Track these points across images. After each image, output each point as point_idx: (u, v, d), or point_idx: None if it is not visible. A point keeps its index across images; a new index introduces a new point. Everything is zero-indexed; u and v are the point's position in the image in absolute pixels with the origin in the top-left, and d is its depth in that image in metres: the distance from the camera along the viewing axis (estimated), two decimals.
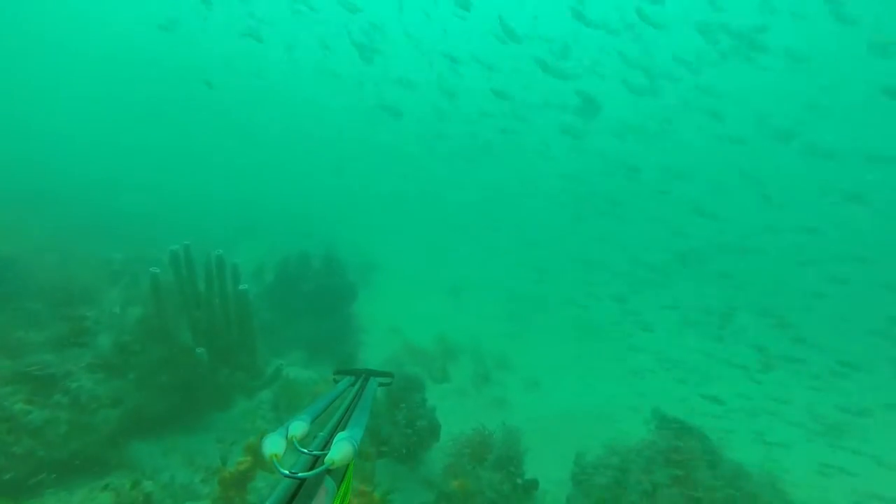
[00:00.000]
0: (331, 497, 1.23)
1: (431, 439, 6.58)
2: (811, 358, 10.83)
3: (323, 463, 1.22)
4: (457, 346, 10.69)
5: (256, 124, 37.35)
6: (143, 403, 6.02)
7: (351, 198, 30.05)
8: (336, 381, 2.53)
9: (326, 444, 1.39)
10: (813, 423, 9.41)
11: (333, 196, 29.51)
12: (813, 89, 16.36)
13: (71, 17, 36.66)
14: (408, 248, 19.83)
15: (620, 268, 16.13)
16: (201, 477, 5.25)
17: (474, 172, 25.57)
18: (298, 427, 1.38)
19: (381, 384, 2.67)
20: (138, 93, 38.32)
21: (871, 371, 10.90)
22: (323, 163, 36.41)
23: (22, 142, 22.89)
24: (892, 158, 15.69)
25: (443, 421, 6.85)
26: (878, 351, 11.98)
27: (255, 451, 5.04)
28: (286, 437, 1.31)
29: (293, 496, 1.13)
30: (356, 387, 2.32)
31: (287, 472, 1.14)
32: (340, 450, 1.25)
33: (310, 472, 1.18)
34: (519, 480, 5.76)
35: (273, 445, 1.23)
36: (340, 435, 1.34)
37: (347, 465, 1.34)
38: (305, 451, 1.33)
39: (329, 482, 1.26)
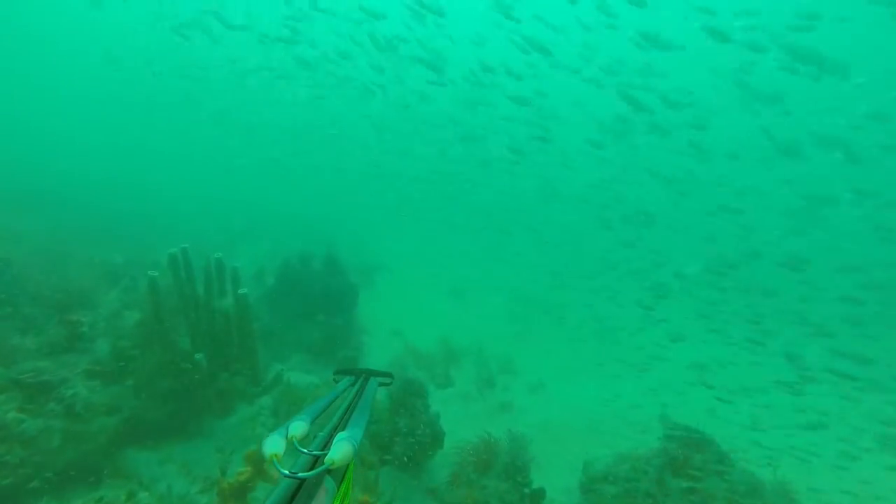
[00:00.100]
0: (331, 497, 1.24)
1: (435, 447, 6.43)
2: (853, 369, 10.47)
3: (323, 463, 1.23)
4: (460, 349, 10.53)
5: (257, 125, 37.25)
6: (141, 411, 5.88)
7: (355, 198, 29.95)
8: (336, 382, 2.54)
9: (326, 445, 1.41)
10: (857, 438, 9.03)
11: (336, 196, 29.41)
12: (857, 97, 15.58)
13: (71, 17, 36.54)
14: (413, 249, 19.70)
15: (645, 273, 15.67)
16: (199, 487, 5.11)
17: (491, 176, 25.05)
18: (298, 427, 1.40)
19: (381, 384, 2.67)
20: (138, 94, 38.27)
21: None
22: (325, 163, 36.33)
23: (22, 142, 22.83)
24: None
25: (446, 427, 6.70)
26: None
27: (256, 461, 4.89)
28: (286, 437, 1.33)
29: (293, 496, 1.14)
30: (356, 387, 2.34)
31: (287, 472, 1.16)
32: (340, 450, 1.27)
33: (310, 472, 1.19)
34: (526, 490, 5.61)
35: (273, 445, 1.25)
36: (340, 435, 1.35)
37: (347, 465, 1.35)
38: (305, 451, 1.34)
39: (329, 482, 1.27)
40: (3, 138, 23.53)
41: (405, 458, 6.07)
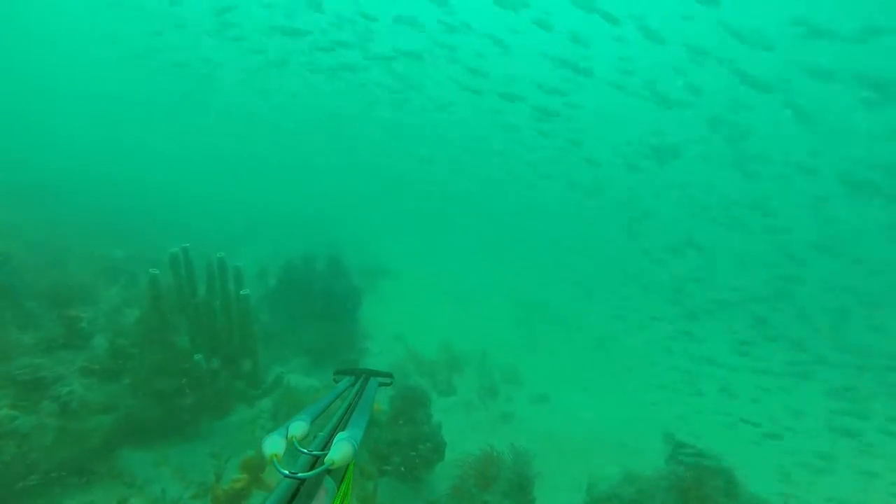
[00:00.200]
0: (331, 497, 1.24)
1: (436, 458, 6.27)
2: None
3: (323, 463, 1.23)
4: (464, 355, 10.36)
5: (264, 124, 37.30)
6: (137, 410, 5.75)
7: (360, 199, 29.87)
8: (336, 382, 2.54)
9: (326, 445, 1.41)
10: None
11: (342, 198, 29.34)
12: None
13: (75, 13, 36.69)
14: (420, 252, 19.51)
15: (668, 290, 15.20)
16: (193, 492, 4.97)
17: (513, 184, 24.63)
18: (298, 427, 1.39)
19: (381, 384, 2.66)
20: (143, 90, 38.39)
21: None
22: (331, 164, 36.31)
23: (25, 136, 22.83)
24: None
25: (447, 436, 6.55)
26: None
27: (252, 469, 4.77)
28: (286, 437, 1.32)
29: (293, 496, 1.14)
30: (356, 387, 2.33)
31: (287, 472, 1.15)
32: (340, 450, 1.26)
33: (310, 472, 1.19)
34: None
35: (273, 445, 1.24)
36: (340, 435, 1.35)
37: (347, 466, 1.35)
38: (305, 451, 1.34)
39: (329, 482, 1.27)
40: (5, 132, 23.54)
41: (405, 469, 5.92)
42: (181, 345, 6.14)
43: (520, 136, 21.11)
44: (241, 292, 6.28)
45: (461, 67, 15.52)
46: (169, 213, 16.90)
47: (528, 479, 5.62)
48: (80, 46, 39.90)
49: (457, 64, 16.00)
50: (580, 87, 15.59)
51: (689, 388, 10.89)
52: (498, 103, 16.97)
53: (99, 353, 5.88)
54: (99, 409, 5.47)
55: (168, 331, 5.99)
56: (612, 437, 8.16)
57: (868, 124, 15.18)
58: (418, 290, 14.58)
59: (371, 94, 23.60)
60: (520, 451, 6.29)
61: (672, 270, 16.09)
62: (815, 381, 11.19)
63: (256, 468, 4.72)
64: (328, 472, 1.24)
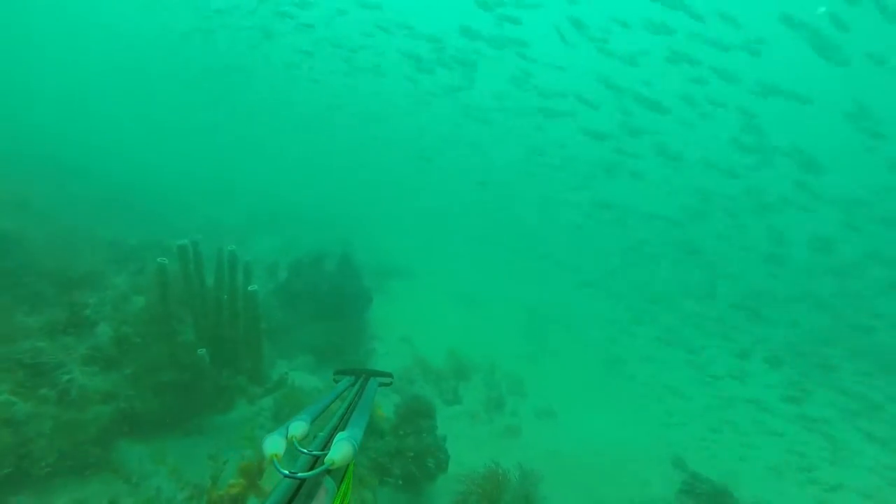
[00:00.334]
0: (331, 497, 1.23)
1: (439, 471, 6.08)
2: None
3: (323, 463, 1.23)
4: (471, 364, 10.15)
5: (288, 117, 37.43)
6: (138, 402, 5.62)
7: (377, 199, 29.77)
8: (336, 382, 2.54)
9: (326, 445, 1.41)
10: None
11: (357, 196, 29.26)
12: None
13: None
14: (432, 254, 19.32)
15: (683, 307, 14.65)
16: (188, 493, 4.82)
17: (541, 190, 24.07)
18: (298, 427, 1.39)
19: (381, 384, 2.65)
20: (173, 71, 38.63)
21: None
22: (354, 160, 36.30)
23: (47, 111, 22.97)
24: None
25: (451, 448, 6.36)
26: None
27: (250, 474, 4.60)
28: (286, 437, 1.32)
29: (293, 496, 1.14)
30: (356, 387, 2.33)
31: (287, 472, 1.14)
32: (340, 450, 1.26)
33: (310, 473, 1.19)
34: None
35: (273, 445, 1.24)
36: (340, 435, 1.34)
37: (347, 466, 1.35)
38: (305, 451, 1.35)
39: (329, 482, 1.26)
40: (26, 105, 23.74)
41: (405, 482, 5.73)
42: (185, 338, 6.01)
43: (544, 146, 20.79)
44: (250, 288, 6.13)
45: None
46: (190, 196, 16.92)
47: (534, 502, 5.42)
48: (120, 19, 40.20)
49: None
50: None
51: (703, 410, 10.57)
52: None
53: (102, 340, 5.77)
54: (98, 399, 5.35)
55: (172, 322, 5.86)
56: (620, 460, 7.88)
57: None
58: (429, 292, 14.39)
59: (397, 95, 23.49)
60: (527, 472, 6.09)
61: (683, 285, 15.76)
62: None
63: (254, 473, 4.55)
64: (328, 472, 1.24)
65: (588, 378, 11.83)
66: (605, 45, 13.60)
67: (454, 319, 13.12)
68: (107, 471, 5.06)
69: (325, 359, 8.59)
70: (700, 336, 13.33)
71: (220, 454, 5.28)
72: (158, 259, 5.60)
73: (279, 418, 6.64)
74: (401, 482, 5.65)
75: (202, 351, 5.82)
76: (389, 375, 2.73)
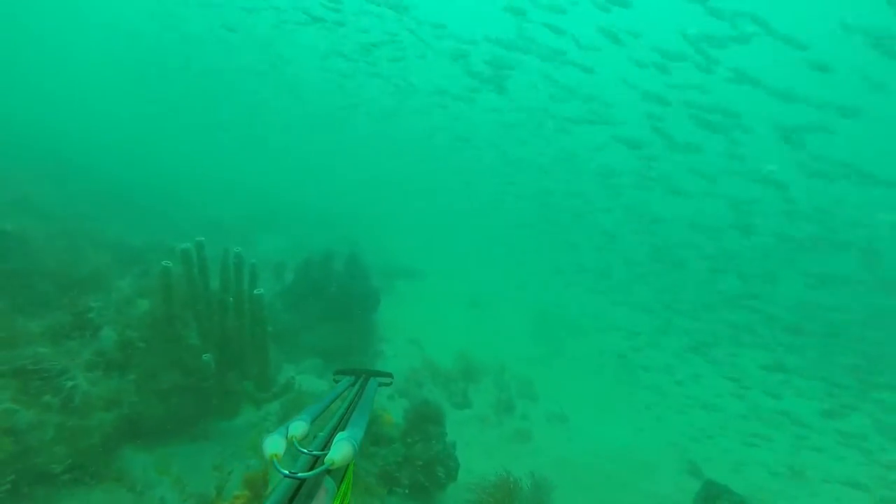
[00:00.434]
0: (331, 497, 1.23)
1: (448, 479, 5.93)
2: None
3: (323, 463, 1.22)
4: (480, 366, 9.98)
5: (292, 115, 37.31)
6: (142, 407, 5.52)
7: (385, 197, 29.61)
8: (336, 382, 2.53)
9: (326, 445, 1.40)
10: None
11: (365, 195, 29.12)
12: None
13: None
14: (440, 255, 19.12)
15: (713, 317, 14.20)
16: None
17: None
18: (298, 427, 1.40)
19: (381, 384, 2.62)
20: (176, 69, 38.55)
21: None
22: (361, 159, 36.10)
23: (51, 109, 22.92)
24: None
25: (461, 453, 6.22)
26: None
27: (255, 486, 4.48)
28: (286, 437, 1.32)
29: (293, 496, 1.14)
30: (356, 387, 2.32)
31: (287, 472, 1.15)
32: (340, 450, 1.26)
33: (310, 473, 1.19)
34: None
35: (273, 445, 1.23)
36: (340, 435, 1.34)
37: (347, 466, 1.34)
38: (305, 451, 1.35)
39: (329, 482, 1.26)
40: (28, 102, 23.74)
41: (415, 491, 5.59)
42: (190, 342, 5.89)
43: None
44: (255, 292, 6.00)
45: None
46: (193, 195, 16.82)
47: None
48: (126, 16, 40.20)
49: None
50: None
51: (716, 411, 10.31)
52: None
53: (106, 345, 5.66)
54: (102, 406, 5.24)
55: (177, 327, 5.74)
56: (633, 468, 7.70)
57: None
58: (437, 293, 14.25)
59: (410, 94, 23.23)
60: (539, 480, 5.94)
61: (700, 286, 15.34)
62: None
63: (259, 485, 4.43)
64: (328, 472, 1.24)
65: (598, 378, 11.65)
66: (637, 52, 13.19)
67: (462, 319, 12.96)
68: (110, 480, 4.95)
69: (333, 361, 8.46)
70: (730, 346, 12.85)
71: (226, 464, 5.17)
72: (163, 262, 5.48)
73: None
74: (409, 492, 5.51)
75: (207, 356, 5.71)
76: (389, 375, 2.69)
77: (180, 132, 32.85)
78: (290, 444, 1.31)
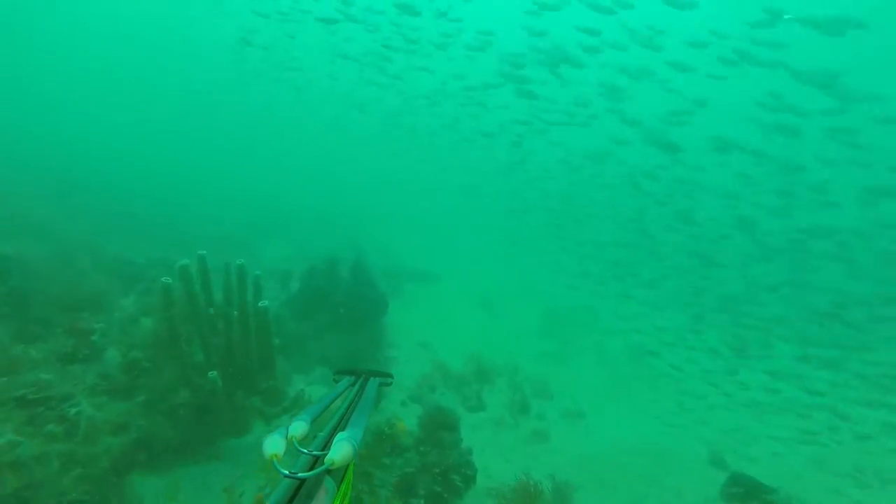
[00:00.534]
0: (331, 497, 1.24)
1: (466, 487, 5.77)
2: None
3: (323, 463, 1.25)
4: (493, 367, 9.80)
5: (290, 120, 37.24)
6: (151, 430, 5.39)
7: (387, 198, 29.40)
8: (336, 382, 2.53)
9: (326, 445, 1.43)
10: None
11: (365, 195, 28.95)
12: None
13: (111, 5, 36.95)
14: (446, 255, 18.85)
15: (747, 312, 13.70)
16: None
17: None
18: (299, 427, 1.42)
19: (381, 384, 2.61)
20: (172, 83, 38.56)
21: None
22: (363, 161, 35.92)
23: (49, 127, 22.85)
24: None
25: (478, 458, 6.06)
26: None
27: None
28: (286, 438, 1.33)
29: (293, 496, 1.17)
30: (356, 387, 2.31)
31: (287, 472, 1.18)
32: (340, 450, 1.28)
33: (310, 473, 1.21)
34: None
35: (273, 445, 1.26)
36: (340, 435, 1.34)
37: (347, 466, 1.34)
38: (305, 451, 1.36)
39: (329, 482, 1.28)
40: (26, 116, 23.69)
41: (432, 500, 5.43)
42: (195, 360, 5.76)
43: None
44: (260, 304, 5.85)
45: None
46: (195, 205, 16.72)
47: None
48: (112, 34, 40.14)
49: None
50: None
51: (738, 402, 10.03)
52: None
53: (111, 368, 5.54)
54: (109, 430, 5.13)
55: (181, 345, 5.60)
56: (656, 462, 7.49)
57: None
58: (446, 294, 14.07)
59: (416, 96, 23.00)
60: (560, 482, 5.77)
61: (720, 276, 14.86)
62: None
63: None
64: (328, 472, 1.24)
65: (614, 373, 11.43)
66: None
67: (471, 320, 12.78)
68: None
69: None
70: (762, 336, 12.37)
71: (236, 484, 5.05)
72: (162, 280, 5.35)
73: None
74: (425, 502, 5.35)
75: (213, 373, 5.57)
76: (389, 375, 2.70)
77: (181, 140, 32.82)
78: (290, 444, 1.32)
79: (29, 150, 15.49)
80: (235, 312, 5.94)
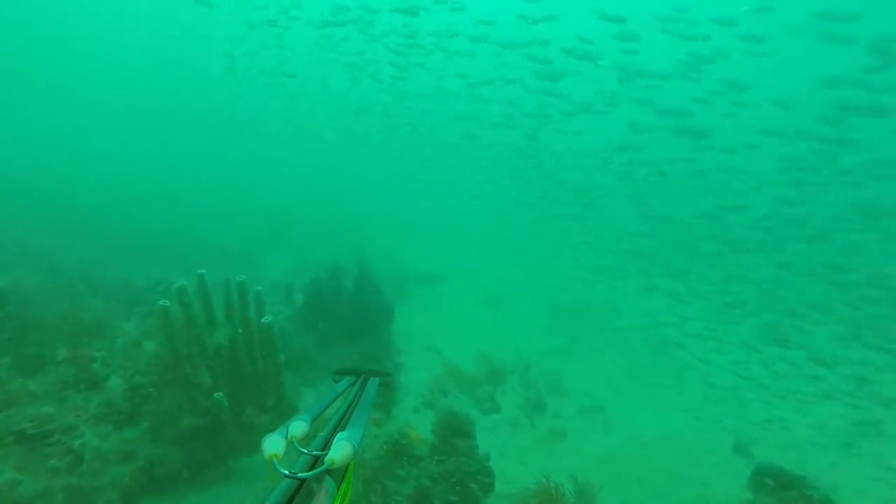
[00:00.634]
0: (331, 497, 1.22)
1: (484, 495, 5.61)
2: None
3: (323, 463, 1.22)
4: (504, 366, 9.63)
5: (285, 127, 37.07)
6: (159, 456, 5.27)
7: (388, 200, 29.21)
8: (336, 382, 2.52)
9: (326, 445, 1.40)
10: None
11: (366, 199, 28.78)
12: None
13: (104, 23, 36.96)
14: (451, 256, 18.65)
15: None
16: None
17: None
18: (298, 427, 1.40)
19: (381, 384, 2.58)
20: (165, 98, 38.55)
21: None
22: (356, 164, 35.71)
23: (45, 148, 22.82)
24: None
25: (495, 463, 5.89)
26: None
27: None
28: (286, 437, 1.31)
29: (293, 496, 1.14)
30: (356, 387, 2.30)
31: (287, 472, 1.14)
32: (340, 450, 1.24)
33: (310, 473, 1.18)
34: None
35: (273, 445, 1.24)
36: (340, 435, 1.33)
37: (347, 466, 1.34)
38: (305, 451, 1.34)
39: (329, 482, 1.25)
40: (26, 143, 23.72)
41: None
42: (200, 381, 5.62)
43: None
44: (263, 320, 5.72)
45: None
46: (196, 222, 16.64)
47: None
48: (104, 50, 40.10)
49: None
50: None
51: (773, 393, 9.68)
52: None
53: (114, 395, 5.42)
54: (116, 460, 5.00)
55: (185, 367, 5.47)
56: (678, 454, 7.30)
57: None
58: (452, 295, 13.92)
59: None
60: (582, 484, 5.60)
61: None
62: None
63: None
64: (328, 472, 1.23)
65: (631, 365, 11.19)
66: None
67: (479, 321, 12.61)
68: None
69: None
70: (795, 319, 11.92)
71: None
72: (160, 302, 5.22)
73: None
74: None
75: (219, 394, 5.44)
76: (389, 374, 2.66)
77: (176, 156, 32.81)
78: (289, 444, 1.30)
79: (24, 176, 15.47)
80: (239, 330, 5.82)
